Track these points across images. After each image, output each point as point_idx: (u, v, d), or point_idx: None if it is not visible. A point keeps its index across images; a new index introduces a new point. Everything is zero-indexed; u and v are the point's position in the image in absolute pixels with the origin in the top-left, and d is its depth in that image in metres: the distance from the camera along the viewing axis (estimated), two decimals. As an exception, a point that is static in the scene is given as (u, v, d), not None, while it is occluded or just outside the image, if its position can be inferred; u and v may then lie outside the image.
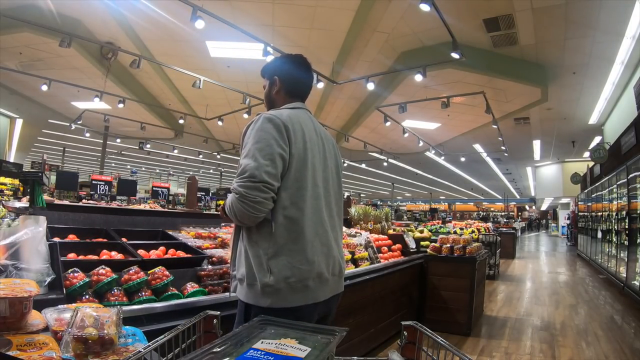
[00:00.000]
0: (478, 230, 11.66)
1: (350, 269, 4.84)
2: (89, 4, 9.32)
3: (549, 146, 21.01)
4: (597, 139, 17.78)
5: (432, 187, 45.20)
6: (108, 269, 2.72)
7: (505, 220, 30.77)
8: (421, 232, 8.43)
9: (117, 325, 1.39)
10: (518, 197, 55.35)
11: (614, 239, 12.15)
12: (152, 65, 12.08)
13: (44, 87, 10.99)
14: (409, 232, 7.91)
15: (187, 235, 4.24)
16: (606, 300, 9.92)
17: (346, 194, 29.07)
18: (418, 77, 9.18)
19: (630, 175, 10.09)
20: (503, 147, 17.52)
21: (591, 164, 17.10)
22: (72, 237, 3.46)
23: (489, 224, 15.49)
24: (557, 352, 5.94)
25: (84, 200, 13.00)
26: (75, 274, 2.56)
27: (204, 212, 12.13)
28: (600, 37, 9.57)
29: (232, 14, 8.82)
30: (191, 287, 3.05)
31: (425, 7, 6.46)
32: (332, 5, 8.90)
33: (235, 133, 19.24)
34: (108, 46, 10.73)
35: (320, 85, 9.72)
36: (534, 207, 61.53)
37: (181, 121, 16.16)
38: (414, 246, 7.30)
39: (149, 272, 2.89)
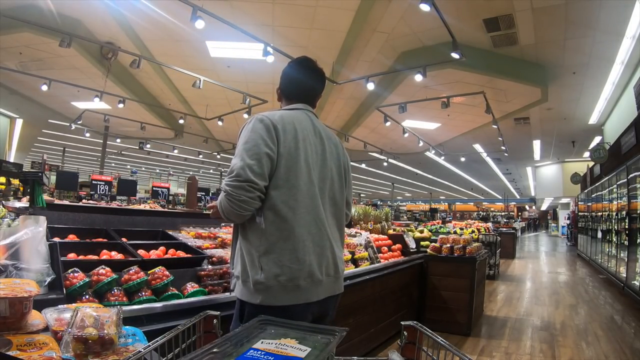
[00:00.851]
0: (478, 230, 11.66)
1: (350, 269, 4.84)
2: (89, 4, 9.32)
3: (549, 146, 21.01)
4: (597, 139, 17.77)
5: (432, 187, 45.19)
6: (108, 269, 2.73)
7: (505, 220, 30.71)
8: (421, 232, 8.43)
9: (117, 325, 1.40)
10: (518, 197, 55.34)
11: (614, 239, 12.16)
12: (152, 65, 12.08)
13: (44, 87, 10.99)
14: (409, 232, 7.92)
15: (187, 235, 4.25)
16: (606, 300, 9.92)
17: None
18: (418, 77, 9.18)
19: (630, 175, 10.11)
20: (503, 147, 17.52)
21: (591, 164, 17.10)
22: (72, 237, 3.47)
23: (489, 224, 15.49)
24: (557, 352, 5.95)
25: (84, 200, 12.99)
26: (75, 274, 2.56)
27: (204, 212, 12.14)
28: (600, 37, 9.57)
29: (232, 14, 8.82)
30: (191, 287, 3.05)
31: (425, 7, 6.46)
32: (332, 5, 8.90)
33: (235, 133, 18.85)
34: (108, 46, 10.72)
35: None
36: (534, 207, 61.50)
37: (181, 121, 16.16)
38: (414, 246, 7.30)
39: (149, 272, 2.89)
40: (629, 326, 7.59)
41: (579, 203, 22.46)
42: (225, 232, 4.54)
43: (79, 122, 15.38)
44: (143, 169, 36.34)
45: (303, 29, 9.92)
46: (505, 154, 19.88)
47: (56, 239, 2.99)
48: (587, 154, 18.90)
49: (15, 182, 11.59)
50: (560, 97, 13.24)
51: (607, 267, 13.40)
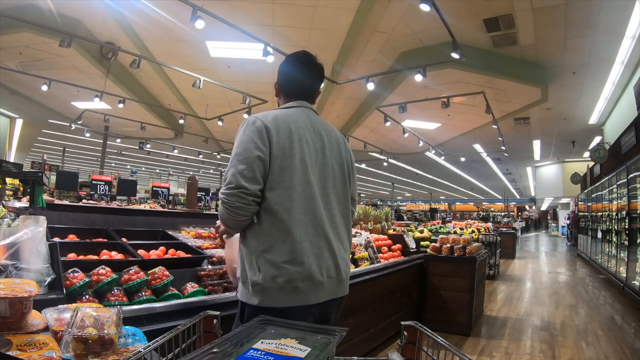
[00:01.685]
0: (478, 230, 11.66)
1: (350, 269, 4.85)
2: (89, 4, 9.32)
3: (549, 146, 21.02)
4: (597, 139, 17.78)
5: (432, 187, 45.18)
6: (108, 269, 2.73)
7: (505, 220, 30.71)
8: (421, 232, 8.43)
9: (117, 325, 1.40)
10: (518, 197, 55.35)
11: (614, 239, 12.16)
12: (152, 65, 12.09)
13: (44, 87, 10.99)
14: (409, 232, 7.92)
15: (187, 235, 4.24)
16: (606, 300, 9.93)
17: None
18: (418, 77, 9.17)
19: (630, 175, 10.11)
20: (503, 147, 17.52)
21: (591, 164, 17.11)
22: (72, 237, 3.47)
23: (489, 224, 15.49)
24: (557, 352, 5.95)
25: (84, 200, 13.00)
26: (75, 274, 2.56)
27: (204, 212, 12.12)
28: (600, 37, 9.57)
29: (232, 14, 8.83)
30: (191, 287, 3.05)
31: (425, 7, 6.46)
32: (332, 5, 8.90)
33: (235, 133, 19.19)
34: (108, 46, 10.72)
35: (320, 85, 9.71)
36: (534, 207, 61.55)
37: (181, 121, 16.15)
38: (414, 246, 7.30)
39: (149, 272, 2.89)
40: (629, 326, 7.59)
41: (579, 203, 22.46)
42: None
43: (79, 122, 15.38)
44: (143, 169, 36.35)
45: (303, 29, 9.92)
46: (505, 154, 19.87)
47: (56, 239, 2.99)
48: (587, 154, 18.91)
49: (14, 182, 11.58)
50: (560, 97, 13.24)
51: (607, 267, 13.40)
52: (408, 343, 1.26)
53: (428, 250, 7.15)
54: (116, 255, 3.21)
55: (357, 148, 19.41)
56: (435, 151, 20.09)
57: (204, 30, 7.49)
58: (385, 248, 6.56)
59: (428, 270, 6.92)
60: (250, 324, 1.22)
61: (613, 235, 12.39)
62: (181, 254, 3.61)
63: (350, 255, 5.12)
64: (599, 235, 15.01)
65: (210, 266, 3.43)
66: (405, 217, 26.65)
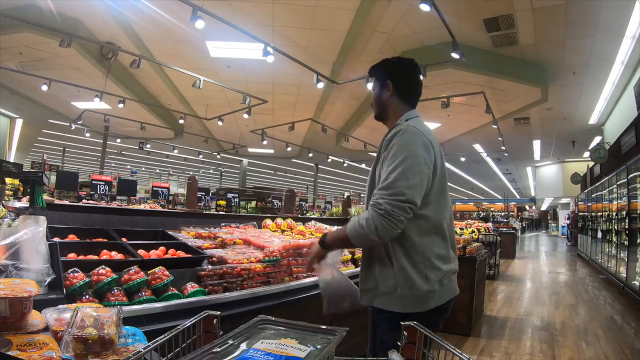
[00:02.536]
0: (478, 230, 11.64)
1: (349, 269, 4.84)
2: (89, 4, 9.32)
3: (549, 146, 21.02)
4: (597, 139, 17.80)
5: None
6: (108, 269, 2.72)
7: (505, 220, 30.67)
8: None
9: (117, 325, 1.40)
10: (518, 197, 55.37)
11: (614, 239, 12.18)
12: (152, 65, 12.11)
13: (44, 87, 10.99)
14: None
15: (187, 235, 4.24)
16: (606, 300, 9.94)
17: (346, 194, 28.98)
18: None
19: (631, 175, 10.13)
20: (503, 147, 17.51)
21: (591, 164, 17.11)
22: (72, 237, 3.45)
23: (489, 224, 15.48)
24: (557, 352, 5.96)
25: (84, 201, 12.98)
26: (75, 274, 2.56)
27: (204, 212, 12.08)
28: (600, 37, 9.60)
29: (232, 14, 8.83)
30: (191, 287, 3.04)
31: (425, 7, 6.46)
32: (332, 5, 8.90)
33: (235, 133, 19.30)
34: (108, 46, 10.73)
35: (320, 85, 9.69)
36: (534, 207, 61.56)
37: (181, 121, 16.16)
38: None
39: (149, 272, 2.88)
40: (629, 326, 7.60)
41: (579, 203, 22.48)
42: (225, 232, 4.54)
43: (79, 122, 15.38)
44: (143, 169, 36.33)
45: (303, 28, 9.92)
46: (506, 154, 19.88)
47: (56, 239, 2.98)
48: (587, 154, 18.91)
49: (14, 182, 11.56)
50: (560, 97, 13.27)
51: (607, 267, 13.41)
52: (408, 343, 1.26)
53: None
54: (116, 255, 3.20)
55: (357, 148, 19.48)
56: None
57: (204, 30, 7.49)
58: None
59: (428, 270, 6.89)
60: (250, 324, 1.22)
61: (613, 235, 12.40)
62: (181, 254, 3.60)
63: (350, 256, 5.13)
64: (599, 235, 15.03)
65: (210, 266, 3.42)
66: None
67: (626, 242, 10.37)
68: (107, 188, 14.94)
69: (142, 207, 12.07)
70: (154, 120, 16.99)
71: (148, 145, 20.95)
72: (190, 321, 1.24)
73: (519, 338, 6.61)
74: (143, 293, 2.75)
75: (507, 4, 8.58)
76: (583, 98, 13.59)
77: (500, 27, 9.47)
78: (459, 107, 13.90)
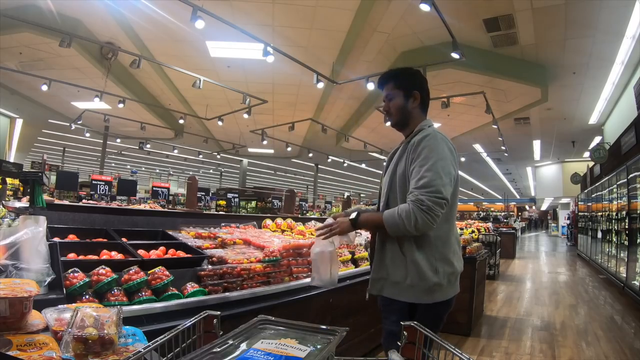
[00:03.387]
0: (478, 230, 11.63)
1: (350, 269, 4.85)
2: (89, 4, 9.32)
3: (549, 146, 21.01)
4: (597, 139, 17.80)
5: None
6: (108, 269, 2.73)
7: (504, 220, 30.64)
8: None
9: (117, 325, 1.40)
10: (518, 197, 55.38)
11: (614, 239, 12.17)
12: (152, 65, 12.11)
13: (44, 87, 10.98)
14: None
15: (187, 235, 4.24)
16: (606, 300, 9.93)
17: (346, 194, 28.95)
18: None
19: (631, 175, 10.11)
20: (503, 147, 17.50)
21: (591, 164, 17.10)
22: (72, 237, 3.45)
23: (489, 224, 15.48)
24: (557, 352, 5.95)
25: (84, 201, 12.97)
26: (75, 274, 2.56)
27: (204, 212, 12.06)
28: (600, 37, 9.60)
29: (232, 14, 8.83)
30: (191, 287, 3.05)
31: (425, 7, 6.46)
32: (332, 5, 8.90)
33: (235, 133, 19.29)
34: (108, 46, 10.73)
35: (320, 85, 9.67)
36: (534, 207, 61.60)
37: (181, 121, 16.15)
38: None
39: (149, 272, 2.89)
40: (629, 326, 7.59)
41: (579, 203, 22.47)
42: (225, 232, 4.54)
43: (79, 122, 15.38)
44: (143, 169, 36.28)
45: (303, 28, 9.92)
46: (506, 154, 19.87)
47: (56, 239, 2.99)
48: (587, 154, 18.92)
49: (15, 182, 11.56)
50: (561, 97, 13.28)
51: (607, 267, 13.40)
52: (408, 343, 1.27)
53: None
54: (116, 255, 3.20)
55: (357, 148, 19.49)
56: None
57: (204, 30, 7.48)
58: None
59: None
60: (250, 324, 1.23)
61: (613, 235, 12.39)
62: (181, 254, 3.60)
63: (350, 256, 5.14)
64: (599, 235, 15.02)
65: (210, 266, 3.42)
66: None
67: (626, 242, 10.35)
68: (107, 188, 14.94)
69: (142, 207, 12.07)
70: (154, 120, 16.98)
71: (148, 145, 20.93)
72: (190, 321, 1.24)
73: (519, 338, 6.60)
74: (143, 293, 2.76)
75: (507, 4, 8.58)
76: (583, 98, 13.59)
77: (500, 27, 9.47)
78: (459, 107, 13.90)
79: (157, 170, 35.87)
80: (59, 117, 17.64)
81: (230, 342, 1.12)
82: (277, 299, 3.49)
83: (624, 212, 10.71)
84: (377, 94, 12.77)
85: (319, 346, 1.09)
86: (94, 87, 11.87)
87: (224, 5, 8.79)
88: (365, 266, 5.29)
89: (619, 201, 11.63)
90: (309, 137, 19.25)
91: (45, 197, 3.92)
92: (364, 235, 6.10)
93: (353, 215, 2.60)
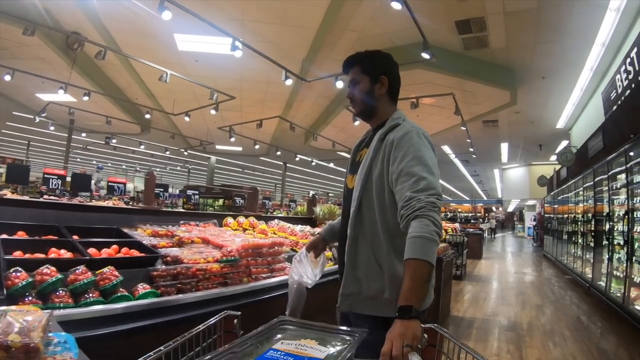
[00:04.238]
0: (445, 230, 11.65)
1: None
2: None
3: (517, 149, 21.29)
4: (564, 143, 18.10)
5: None
6: (53, 268, 2.55)
7: (472, 220, 30.96)
8: None
9: (44, 331, 1.26)
10: (485, 198, 56.05)
11: (580, 241, 12.41)
12: (118, 58, 11.85)
13: (7, 77, 10.61)
14: None
15: (143, 233, 4.08)
16: (572, 301, 10.09)
17: (311, 192, 28.85)
18: None
19: (597, 178, 10.30)
20: (471, 149, 17.60)
21: (558, 167, 17.36)
22: (21, 234, 3.30)
23: (456, 225, 15.58)
24: (524, 352, 5.97)
25: (45, 196, 12.62)
26: (18, 274, 2.41)
27: (164, 209, 11.69)
28: (571, 43, 9.76)
29: (201, 6, 8.61)
30: (142, 288, 2.88)
31: (396, 5, 6.39)
32: (303, 2, 8.79)
33: (203, 130, 19.09)
34: (74, 36, 10.41)
35: (289, 82, 9.52)
36: (500, 209, 62.48)
37: (147, 116, 15.83)
38: None
39: (97, 272, 2.72)
40: (596, 326, 7.71)
41: (545, 205, 22.83)
42: (184, 231, 4.39)
43: (43, 115, 14.96)
44: (109, 164, 35.67)
45: (273, 24, 9.78)
46: (474, 156, 20.00)
47: (4, 235, 2.85)
48: (554, 157, 19.25)
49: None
50: (529, 101, 13.44)
51: (572, 267, 13.65)
52: (428, 346, 1.33)
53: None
54: (65, 254, 3.03)
55: (325, 147, 19.45)
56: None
57: (171, 22, 7.33)
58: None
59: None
60: (270, 324, 1.31)
61: (579, 236, 12.63)
62: (135, 252, 3.44)
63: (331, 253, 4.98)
64: (565, 236, 15.34)
65: (163, 266, 3.25)
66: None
67: (592, 244, 10.58)
68: (59, 182, 14.54)
69: (105, 203, 11.78)
70: (120, 114, 16.61)
71: (114, 141, 20.54)
72: (211, 321, 1.29)
73: (486, 339, 6.60)
74: (90, 295, 2.59)
75: (479, 7, 8.60)
76: (551, 102, 13.81)
77: (471, 30, 9.51)
78: (428, 108, 13.91)
79: (124, 167, 35.34)
80: (23, 109, 17.15)
81: (251, 342, 1.17)
82: (234, 300, 3.30)
83: (590, 214, 10.93)
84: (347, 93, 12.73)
85: (338, 347, 1.14)
86: (59, 78, 11.54)
87: (192, -3, 8.62)
88: (329, 266, 5.16)
89: (585, 203, 11.86)
90: (277, 135, 19.12)
91: (7, 192, 3.79)
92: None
93: (413, 313, 1.75)
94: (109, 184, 12.17)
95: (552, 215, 20.05)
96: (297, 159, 22.28)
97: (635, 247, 7.43)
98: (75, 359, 1.29)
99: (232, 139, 16.72)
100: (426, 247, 1.89)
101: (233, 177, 41.28)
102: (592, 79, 11.52)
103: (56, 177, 11.98)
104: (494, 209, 63.81)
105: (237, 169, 34.31)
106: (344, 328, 1.22)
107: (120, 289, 2.76)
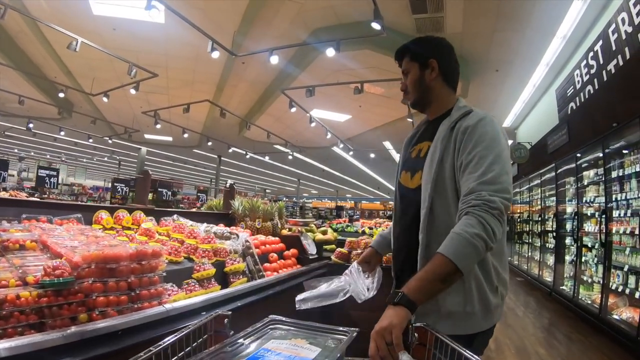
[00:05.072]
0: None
1: (214, 291, 3.40)
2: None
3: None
4: (509, 142, 17.78)
5: (339, 185, 46.36)
6: None
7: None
8: (324, 232, 6.88)
9: None
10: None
11: (537, 242, 12.41)
12: (29, 26, 10.54)
13: None
14: (308, 234, 6.39)
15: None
16: (535, 307, 9.75)
17: (229, 182, 27.89)
18: (330, 52, 8.26)
19: (559, 170, 10.29)
20: (415, 145, 17.16)
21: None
22: None
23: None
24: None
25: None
26: None
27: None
28: (531, 33, 9.50)
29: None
30: None
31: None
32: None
33: (128, 115, 17.91)
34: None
35: (216, 54, 8.34)
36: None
37: (61, 95, 14.26)
38: (314, 252, 5.76)
39: None
40: (570, 340, 7.14)
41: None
42: (20, 229, 2.89)
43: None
44: (32, 153, 33.35)
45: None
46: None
47: None
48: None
49: None
50: (479, 96, 13.37)
51: (526, 269, 13.74)
52: (418, 344, 1.31)
53: (332, 257, 5.56)
54: None
55: (260, 138, 19.15)
56: (343, 145, 19.86)
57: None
58: (275, 255, 5.05)
59: (333, 283, 5.63)
60: (261, 324, 1.35)
61: (535, 237, 12.72)
62: None
63: (214, 270, 3.69)
64: (515, 237, 15.70)
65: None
66: (310, 214, 26.48)
67: (551, 245, 10.53)
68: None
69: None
70: (35, 94, 15.08)
71: (31, 125, 18.60)
72: (201, 321, 1.27)
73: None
74: None
75: (438, -16, 8.06)
76: (502, 99, 13.83)
77: (427, 9, 8.88)
78: (372, 98, 13.60)
79: (48, 156, 33.24)
80: None
81: (241, 341, 1.21)
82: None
83: (551, 213, 10.80)
84: (286, 74, 11.97)
85: (329, 347, 1.18)
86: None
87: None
88: (239, 284, 3.85)
89: (543, 203, 11.90)
90: (208, 123, 18.29)
91: None
92: (241, 238, 4.69)
93: (398, 299, 1.56)
94: (39, 174, 10.30)
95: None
96: (231, 151, 21.80)
97: (613, 250, 6.92)
98: None
99: (158, 126, 15.70)
100: (460, 247, 1.67)
101: (166, 171, 40.32)
102: (547, 74, 11.52)
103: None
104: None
105: (169, 162, 33.32)
106: (336, 327, 1.24)
107: None
